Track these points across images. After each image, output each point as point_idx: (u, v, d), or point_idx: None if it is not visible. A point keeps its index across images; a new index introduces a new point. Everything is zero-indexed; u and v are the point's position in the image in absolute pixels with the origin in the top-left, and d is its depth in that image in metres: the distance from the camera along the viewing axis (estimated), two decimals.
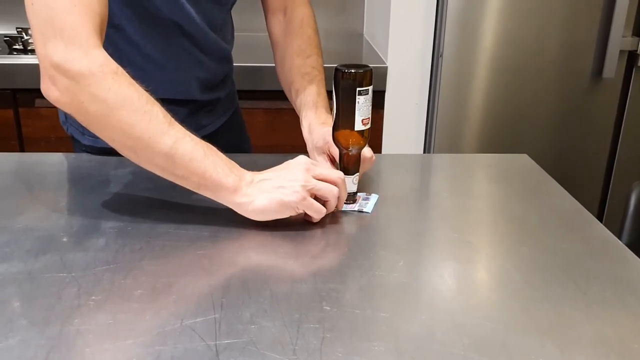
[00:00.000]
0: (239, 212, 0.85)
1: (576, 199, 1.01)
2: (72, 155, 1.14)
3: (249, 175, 0.86)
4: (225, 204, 0.85)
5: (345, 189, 0.90)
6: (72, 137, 1.16)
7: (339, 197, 0.88)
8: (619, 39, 1.91)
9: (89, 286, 0.72)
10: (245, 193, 0.84)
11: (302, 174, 0.85)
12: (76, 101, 0.80)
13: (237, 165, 0.86)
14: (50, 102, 0.83)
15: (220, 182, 0.83)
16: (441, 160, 1.26)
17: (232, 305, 0.69)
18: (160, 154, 0.81)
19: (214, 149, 0.85)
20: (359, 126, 0.91)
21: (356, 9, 2.37)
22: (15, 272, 0.75)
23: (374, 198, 0.98)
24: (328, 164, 0.99)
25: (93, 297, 0.70)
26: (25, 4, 0.81)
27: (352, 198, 0.95)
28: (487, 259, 0.83)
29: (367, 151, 0.97)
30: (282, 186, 0.84)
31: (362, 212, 0.94)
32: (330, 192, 0.86)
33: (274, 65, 1.18)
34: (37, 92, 1.78)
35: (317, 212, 0.86)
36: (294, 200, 0.83)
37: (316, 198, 0.86)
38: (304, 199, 0.84)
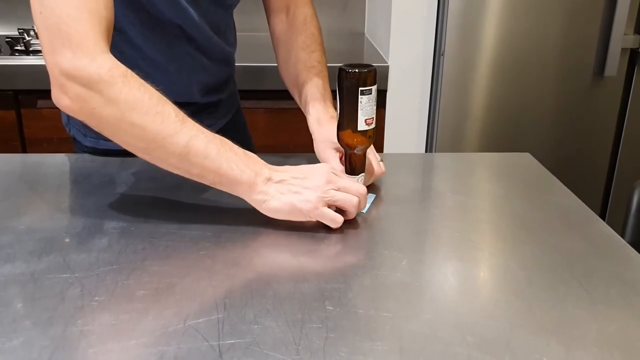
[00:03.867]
0: (254, 206, 0.86)
1: (578, 197, 1.01)
2: (74, 155, 1.14)
3: (267, 170, 0.85)
4: (242, 197, 0.86)
5: (365, 202, 0.89)
6: (74, 139, 1.16)
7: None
8: (621, 36, 1.91)
9: (92, 287, 0.72)
10: (261, 190, 0.84)
11: (322, 183, 0.85)
12: (88, 107, 0.80)
13: (255, 158, 0.86)
14: (62, 109, 0.83)
15: (235, 179, 0.83)
16: (443, 159, 1.26)
17: (235, 306, 0.69)
18: (175, 154, 0.82)
19: (229, 143, 0.85)
20: (362, 126, 0.90)
21: (357, 8, 2.37)
22: (18, 273, 0.75)
23: (370, 197, 0.97)
24: (337, 160, 0.99)
25: (96, 298, 0.70)
26: (33, 13, 0.81)
27: None
28: (490, 257, 0.83)
29: (376, 166, 0.98)
30: (299, 192, 0.84)
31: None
32: (349, 202, 0.86)
33: (275, 65, 1.18)
34: (39, 93, 1.81)
35: (331, 221, 0.86)
36: (306, 209, 0.84)
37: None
38: (316, 208, 0.84)
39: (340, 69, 0.89)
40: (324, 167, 0.88)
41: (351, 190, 0.86)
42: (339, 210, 0.87)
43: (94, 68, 0.79)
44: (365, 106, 0.89)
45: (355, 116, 0.90)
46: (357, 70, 0.88)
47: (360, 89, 0.88)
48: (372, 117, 0.91)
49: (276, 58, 1.17)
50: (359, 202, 0.87)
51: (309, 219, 0.85)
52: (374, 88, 0.90)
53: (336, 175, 0.87)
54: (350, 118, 0.90)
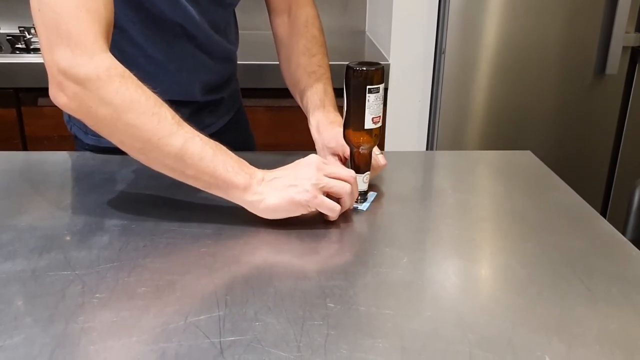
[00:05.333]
0: (250, 210, 0.85)
1: (579, 195, 1.00)
2: (75, 153, 1.14)
3: (260, 173, 0.86)
4: (236, 202, 0.85)
5: (357, 187, 0.90)
6: (75, 136, 1.16)
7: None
8: (622, 35, 1.91)
9: (93, 284, 0.72)
10: (256, 191, 0.84)
11: (314, 172, 0.85)
12: (84, 106, 0.80)
13: (247, 164, 0.86)
14: (59, 107, 0.83)
15: (231, 181, 0.83)
16: (444, 157, 1.26)
17: (236, 303, 0.69)
18: (170, 155, 0.81)
19: (224, 147, 0.85)
20: (369, 124, 0.90)
21: (358, 6, 2.37)
22: (19, 271, 0.75)
23: (371, 196, 0.97)
24: (339, 164, 0.99)
25: (97, 295, 0.70)
26: (32, 10, 0.81)
27: (362, 197, 0.94)
28: (491, 255, 0.83)
29: (380, 158, 0.97)
30: (294, 184, 0.84)
31: (357, 209, 0.93)
32: (343, 188, 0.86)
33: (277, 63, 1.18)
34: (39, 91, 1.81)
35: (330, 209, 0.85)
36: (305, 199, 0.83)
37: (330, 196, 0.86)
38: (315, 197, 0.84)
39: (348, 67, 0.89)
40: (311, 157, 0.88)
41: (342, 176, 0.86)
42: (335, 201, 0.87)
43: (92, 67, 0.79)
44: (373, 104, 0.89)
45: (362, 114, 0.90)
46: (364, 69, 0.88)
47: (368, 87, 0.88)
48: (379, 116, 0.91)
49: (279, 61, 1.17)
50: (352, 188, 0.87)
51: (308, 210, 0.85)
52: (381, 87, 0.89)
53: (324, 162, 0.87)
54: (357, 116, 0.90)
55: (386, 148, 2.00)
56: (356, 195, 0.90)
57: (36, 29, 0.81)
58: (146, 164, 0.85)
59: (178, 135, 0.81)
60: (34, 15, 0.81)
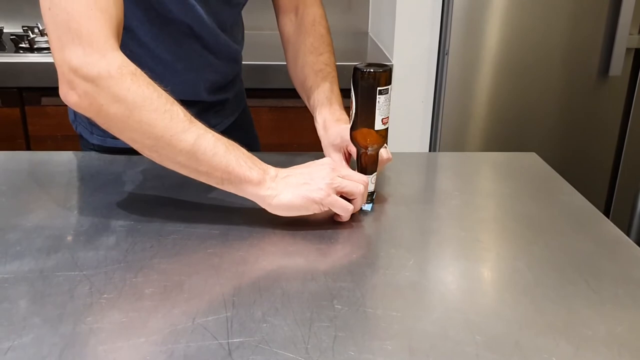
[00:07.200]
0: (262, 205, 0.86)
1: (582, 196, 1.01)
2: (80, 153, 1.14)
3: (273, 169, 0.86)
4: (249, 197, 0.86)
5: (367, 191, 0.90)
6: (81, 136, 1.16)
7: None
8: (626, 36, 1.91)
9: (100, 284, 0.73)
10: (270, 186, 0.84)
11: (328, 172, 0.86)
12: (96, 104, 0.80)
13: (259, 160, 0.86)
14: (70, 106, 0.83)
15: (244, 176, 0.83)
16: (448, 158, 1.26)
17: (243, 304, 0.70)
18: (183, 152, 0.82)
19: (235, 144, 0.85)
20: (379, 125, 0.90)
21: (361, 7, 2.37)
22: (27, 271, 0.75)
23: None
24: (344, 163, 0.99)
25: (105, 296, 0.71)
26: (42, 9, 0.81)
27: (369, 198, 0.95)
28: (497, 257, 0.83)
29: (384, 152, 0.97)
30: (307, 182, 0.84)
31: (362, 209, 0.93)
32: (356, 188, 0.86)
33: (280, 63, 1.18)
34: (43, 91, 1.81)
35: (342, 209, 0.86)
36: (319, 197, 0.84)
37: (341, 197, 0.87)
38: (329, 195, 0.84)
39: (356, 69, 0.89)
40: (325, 159, 0.89)
41: (355, 178, 0.88)
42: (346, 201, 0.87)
43: (103, 65, 0.79)
44: (382, 106, 0.89)
45: (371, 116, 0.90)
46: (373, 70, 0.88)
47: (378, 88, 0.88)
48: (388, 117, 0.91)
49: (285, 59, 1.17)
50: (364, 190, 0.88)
51: (321, 209, 0.85)
52: (390, 87, 0.90)
53: (337, 164, 0.89)
54: (365, 117, 0.90)
55: (389, 149, 2.00)
56: (365, 198, 0.90)
57: (46, 27, 0.82)
58: (157, 162, 0.85)
59: (190, 132, 0.81)
60: (44, 14, 0.81)
